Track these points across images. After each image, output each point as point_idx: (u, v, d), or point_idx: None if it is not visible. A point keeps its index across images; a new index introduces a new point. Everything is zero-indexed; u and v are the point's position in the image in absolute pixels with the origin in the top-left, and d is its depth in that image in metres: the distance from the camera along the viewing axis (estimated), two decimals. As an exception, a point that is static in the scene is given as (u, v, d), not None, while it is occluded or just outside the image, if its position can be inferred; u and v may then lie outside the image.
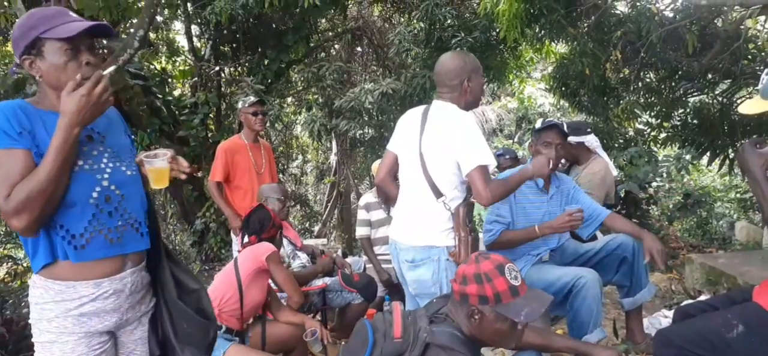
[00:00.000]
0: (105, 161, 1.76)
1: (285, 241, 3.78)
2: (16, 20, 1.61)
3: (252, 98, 4.36)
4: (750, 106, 2.01)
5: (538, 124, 3.24)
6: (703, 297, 3.98)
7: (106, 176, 1.75)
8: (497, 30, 5.76)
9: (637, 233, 3.00)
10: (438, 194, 2.46)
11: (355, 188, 9.85)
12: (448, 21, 6.18)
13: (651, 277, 3.44)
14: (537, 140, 3.13)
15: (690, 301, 3.30)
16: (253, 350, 2.89)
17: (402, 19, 7.41)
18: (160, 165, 1.84)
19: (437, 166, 2.47)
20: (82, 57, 1.66)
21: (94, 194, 1.71)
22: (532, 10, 5.32)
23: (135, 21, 6.08)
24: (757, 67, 5.28)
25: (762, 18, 5.68)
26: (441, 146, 2.45)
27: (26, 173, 1.58)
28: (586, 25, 5.92)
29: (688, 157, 6.11)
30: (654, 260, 2.84)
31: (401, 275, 2.70)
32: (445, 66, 2.56)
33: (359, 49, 8.54)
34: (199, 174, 6.98)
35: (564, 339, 2.47)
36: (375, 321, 1.85)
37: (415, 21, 6.23)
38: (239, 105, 4.42)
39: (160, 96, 7.16)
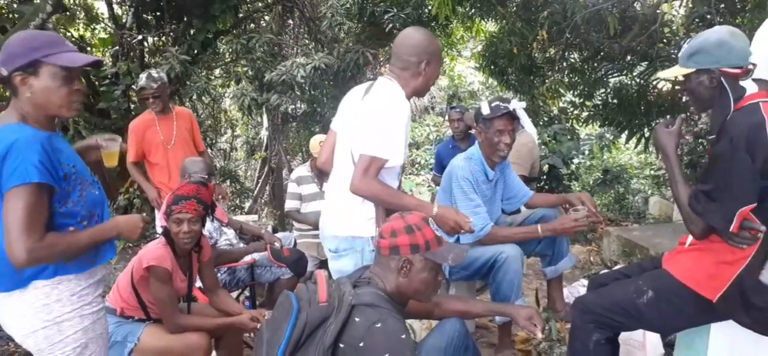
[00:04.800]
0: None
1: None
2: (12, 35, 1.74)
3: (142, 82, 4.06)
4: (668, 72, 2.17)
5: (485, 109, 3.01)
6: (617, 267, 4.20)
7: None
8: (429, 7, 5.79)
9: (562, 200, 3.14)
10: None
11: (287, 163, 9.70)
12: (381, -5, 6.16)
13: (571, 249, 3.60)
14: (487, 128, 3.00)
15: (605, 271, 3.47)
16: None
17: (334, -8, 7.30)
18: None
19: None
20: (74, 84, 1.78)
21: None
22: (463, -13, 5.38)
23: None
24: (672, 51, 5.54)
25: (677, 3, 5.98)
26: (364, 126, 2.25)
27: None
28: (514, 4, 6.03)
29: (609, 135, 6.40)
30: (591, 211, 2.92)
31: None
32: (407, 39, 2.30)
33: (291, 21, 8.35)
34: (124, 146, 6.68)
35: (484, 303, 2.60)
36: (299, 291, 1.85)
37: (347, -6, 6.17)
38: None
39: (77, 65, 6.76)
